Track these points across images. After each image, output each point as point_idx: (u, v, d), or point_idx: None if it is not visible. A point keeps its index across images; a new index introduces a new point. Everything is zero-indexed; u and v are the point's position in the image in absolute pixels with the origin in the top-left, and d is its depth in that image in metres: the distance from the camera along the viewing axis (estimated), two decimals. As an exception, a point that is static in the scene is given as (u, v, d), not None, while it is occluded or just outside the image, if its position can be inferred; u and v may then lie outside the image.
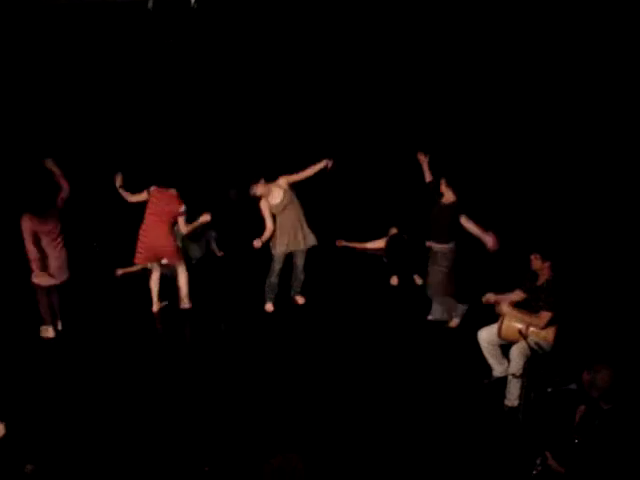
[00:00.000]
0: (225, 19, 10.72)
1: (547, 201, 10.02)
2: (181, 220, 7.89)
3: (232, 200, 8.89)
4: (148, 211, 7.78)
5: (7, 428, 5.47)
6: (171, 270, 8.14)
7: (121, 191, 7.85)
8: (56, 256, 7.32)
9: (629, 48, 9.86)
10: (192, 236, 9.01)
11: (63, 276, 7.44)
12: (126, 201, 7.91)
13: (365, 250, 9.70)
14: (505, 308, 6.35)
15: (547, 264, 6.26)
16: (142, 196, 7.81)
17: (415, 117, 11.02)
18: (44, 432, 5.93)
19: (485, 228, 7.41)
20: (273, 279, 8.06)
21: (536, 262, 6.31)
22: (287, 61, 11.19)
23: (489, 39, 10.55)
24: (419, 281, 8.69)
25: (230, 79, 11.27)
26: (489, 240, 7.30)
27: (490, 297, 6.63)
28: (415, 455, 5.74)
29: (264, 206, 7.79)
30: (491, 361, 6.69)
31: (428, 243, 7.61)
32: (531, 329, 6.23)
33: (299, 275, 8.18)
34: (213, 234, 9.51)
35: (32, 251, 7.22)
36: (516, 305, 6.42)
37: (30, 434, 5.77)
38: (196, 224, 8.01)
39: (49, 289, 7.45)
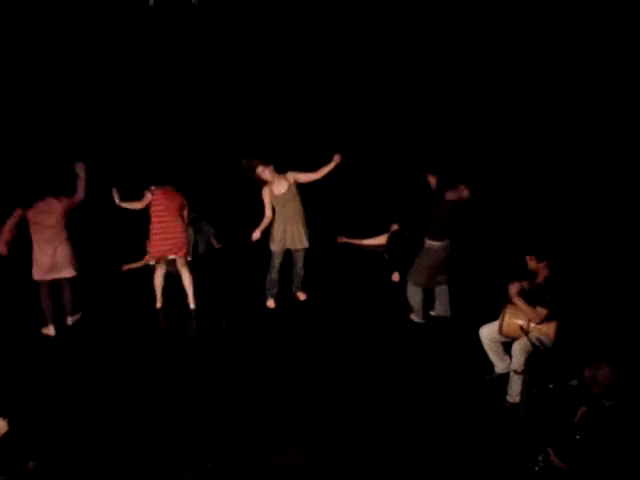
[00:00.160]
0: (228, 15, 10.72)
1: (544, 200, 10.03)
2: (185, 213, 7.97)
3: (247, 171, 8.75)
4: (157, 211, 7.75)
5: (9, 425, 5.47)
6: (175, 268, 8.14)
7: (124, 204, 7.78)
8: (50, 253, 7.29)
9: (629, 48, 9.87)
10: (195, 231, 9.06)
11: (59, 273, 7.39)
12: (135, 210, 7.84)
13: (366, 246, 9.71)
14: (514, 291, 6.32)
15: (543, 264, 6.26)
16: (147, 199, 7.76)
17: (415, 116, 11.04)
18: (46, 429, 5.94)
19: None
20: (273, 275, 8.05)
21: (532, 263, 6.31)
22: (289, 59, 11.20)
23: (489, 40, 10.58)
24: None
25: (229, 78, 11.29)
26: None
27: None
28: (417, 451, 5.75)
29: (266, 193, 7.72)
30: (493, 358, 6.69)
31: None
32: (532, 325, 6.23)
33: (299, 271, 8.16)
34: (212, 230, 9.54)
35: (4, 230, 7.25)
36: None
37: (32, 431, 5.78)
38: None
39: (50, 284, 7.44)
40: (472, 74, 11.01)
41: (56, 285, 7.53)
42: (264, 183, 7.71)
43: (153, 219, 7.78)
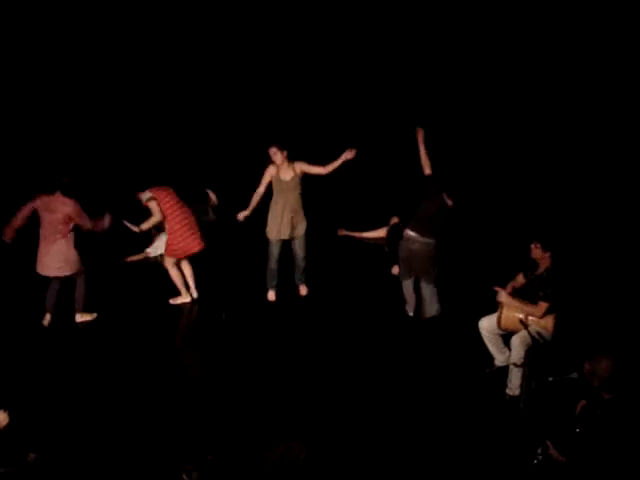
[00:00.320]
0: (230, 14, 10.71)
1: (548, 192, 10.04)
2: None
3: None
4: (169, 209, 7.78)
5: (10, 417, 5.48)
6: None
7: (145, 226, 7.95)
8: (42, 250, 7.25)
9: (629, 48, 9.87)
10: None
11: (47, 271, 7.33)
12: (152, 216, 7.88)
13: (366, 239, 9.71)
14: (504, 298, 6.34)
15: (548, 254, 6.25)
16: (155, 205, 7.78)
17: (416, 106, 11.00)
18: (47, 421, 5.94)
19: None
20: (272, 265, 8.00)
21: (536, 251, 6.29)
22: (289, 55, 11.19)
23: (487, 36, 10.57)
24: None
25: (229, 75, 11.28)
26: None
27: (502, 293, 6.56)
28: (417, 444, 5.76)
29: (269, 173, 7.71)
30: (492, 350, 6.69)
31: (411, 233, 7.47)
32: (531, 318, 6.23)
33: (299, 263, 8.11)
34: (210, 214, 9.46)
35: (17, 217, 7.25)
36: (516, 293, 6.42)
37: (33, 423, 5.78)
38: None
39: (62, 279, 7.43)
40: (476, 67, 11.00)
41: (72, 281, 7.52)
42: (271, 163, 7.71)
43: (169, 218, 7.79)
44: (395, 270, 8.83)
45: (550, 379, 5.31)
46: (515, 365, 6.23)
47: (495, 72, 10.96)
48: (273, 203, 7.81)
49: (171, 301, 8.08)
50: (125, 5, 10.85)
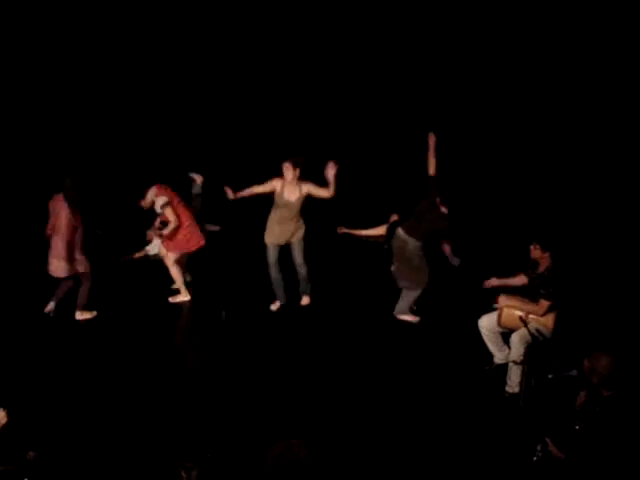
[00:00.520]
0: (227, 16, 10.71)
1: (547, 191, 10.04)
2: None
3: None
4: (176, 206, 7.78)
5: (9, 415, 5.48)
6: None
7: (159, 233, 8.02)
8: (52, 245, 7.28)
9: (629, 48, 9.87)
10: None
11: (56, 270, 7.34)
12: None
13: (366, 237, 9.70)
14: (502, 301, 6.35)
15: (547, 254, 6.25)
16: (171, 206, 7.79)
17: (417, 105, 11.01)
18: (47, 419, 5.94)
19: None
20: (273, 274, 7.79)
21: (535, 252, 6.30)
22: (287, 54, 11.19)
23: (487, 38, 10.57)
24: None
25: (227, 78, 11.29)
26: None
27: (493, 281, 6.65)
28: (416, 442, 5.76)
29: (272, 186, 7.46)
30: (492, 348, 6.69)
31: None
32: (531, 316, 6.24)
33: (299, 270, 7.87)
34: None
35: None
36: (517, 292, 6.42)
37: (33, 421, 5.78)
38: None
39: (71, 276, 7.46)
40: (474, 67, 11.01)
41: (76, 278, 7.53)
42: (281, 176, 7.46)
43: (179, 213, 7.78)
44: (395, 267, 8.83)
45: (549, 376, 5.32)
46: (515, 363, 6.23)
47: (494, 75, 10.96)
48: (272, 213, 7.64)
49: (170, 299, 8.08)
50: (125, 4, 10.85)
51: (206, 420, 5.94)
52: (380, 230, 9.53)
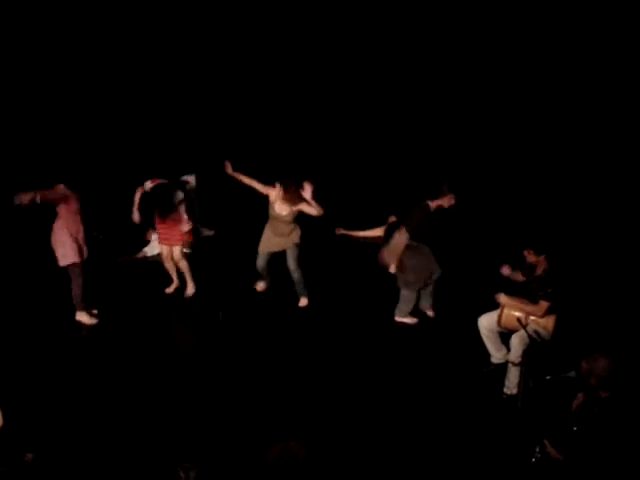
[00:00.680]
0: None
1: (547, 192, 10.05)
2: None
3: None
4: None
5: (7, 417, 5.47)
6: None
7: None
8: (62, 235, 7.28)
9: (629, 48, 9.89)
10: None
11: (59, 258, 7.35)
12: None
13: (364, 238, 9.70)
14: (503, 298, 6.36)
15: (542, 257, 6.26)
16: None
17: (414, 109, 11.03)
18: (44, 421, 5.93)
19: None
20: (260, 270, 8.05)
21: (530, 257, 6.32)
22: (286, 54, 11.19)
23: (486, 37, 10.58)
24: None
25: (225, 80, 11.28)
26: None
27: (505, 270, 6.65)
28: (415, 443, 5.76)
29: (267, 192, 7.66)
30: (490, 347, 6.70)
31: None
32: (531, 318, 6.24)
33: (293, 274, 7.93)
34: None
35: None
36: (516, 294, 6.43)
37: (30, 423, 5.78)
38: None
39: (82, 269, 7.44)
40: (470, 71, 11.02)
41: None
42: (275, 188, 7.64)
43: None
44: (392, 269, 8.83)
45: (547, 378, 5.33)
46: (513, 364, 6.24)
47: (489, 81, 10.98)
48: (268, 223, 7.83)
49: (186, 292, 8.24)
50: (123, 3, 10.86)
51: (205, 421, 5.94)
52: (378, 232, 9.52)
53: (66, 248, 7.24)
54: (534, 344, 5.93)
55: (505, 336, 6.58)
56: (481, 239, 9.19)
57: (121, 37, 10.90)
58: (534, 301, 6.25)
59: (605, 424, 4.58)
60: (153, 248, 8.97)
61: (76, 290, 7.39)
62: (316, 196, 7.76)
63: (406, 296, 7.60)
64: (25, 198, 6.92)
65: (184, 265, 8.15)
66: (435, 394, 6.42)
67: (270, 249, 7.91)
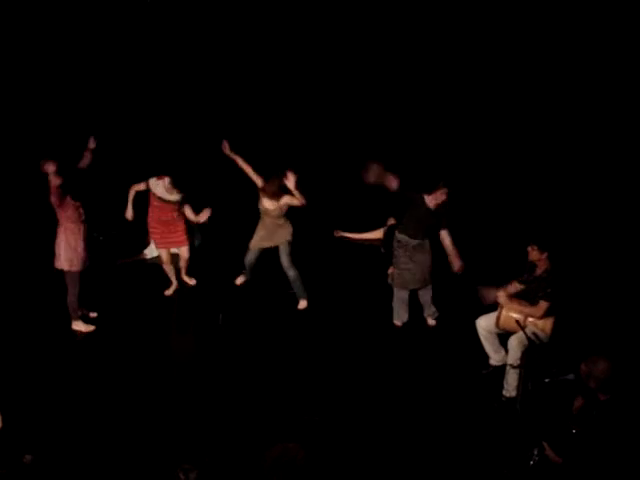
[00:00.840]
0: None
1: (544, 192, 10.05)
2: None
3: None
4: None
5: (6, 419, 5.48)
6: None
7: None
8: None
9: (629, 48, 9.89)
10: None
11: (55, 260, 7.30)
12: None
13: (362, 240, 9.69)
14: (502, 299, 6.36)
15: (545, 255, 6.26)
16: None
17: (414, 108, 11.02)
18: (43, 422, 5.93)
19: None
20: (247, 264, 8.11)
21: (534, 253, 6.30)
22: (284, 54, 11.18)
23: (487, 36, 10.58)
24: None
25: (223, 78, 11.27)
26: (456, 264, 7.25)
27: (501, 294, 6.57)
28: (414, 445, 5.77)
29: (260, 182, 7.68)
30: (488, 349, 6.70)
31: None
32: (529, 319, 6.25)
33: (288, 273, 7.91)
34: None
35: None
36: (515, 295, 6.43)
37: (29, 424, 5.78)
38: None
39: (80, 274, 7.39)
40: (470, 68, 11.03)
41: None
42: (267, 180, 7.65)
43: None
44: (392, 271, 8.83)
45: (547, 380, 5.32)
46: (512, 366, 6.25)
47: (486, 81, 10.99)
48: (260, 220, 7.87)
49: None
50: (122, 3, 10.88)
51: (204, 423, 5.94)
52: (377, 234, 9.53)
53: (62, 254, 7.19)
54: (533, 346, 5.94)
55: (503, 338, 6.58)
56: (481, 240, 9.18)
57: (121, 37, 10.91)
58: (533, 302, 6.26)
59: (604, 427, 4.58)
60: (153, 250, 8.96)
61: (71, 297, 7.33)
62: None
63: (396, 296, 7.61)
64: (50, 167, 6.91)
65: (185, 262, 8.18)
66: (434, 396, 6.43)
67: (261, 245, 7.93)
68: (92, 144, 7.51)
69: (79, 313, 7.45)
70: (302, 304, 8.05)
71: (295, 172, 7.58)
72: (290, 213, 7.95)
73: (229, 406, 6.20)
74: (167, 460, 5.14)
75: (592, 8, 10.06)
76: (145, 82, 11.34)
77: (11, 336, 7.22)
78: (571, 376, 4.98)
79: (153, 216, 7.88)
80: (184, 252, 8.12)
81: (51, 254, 7.22)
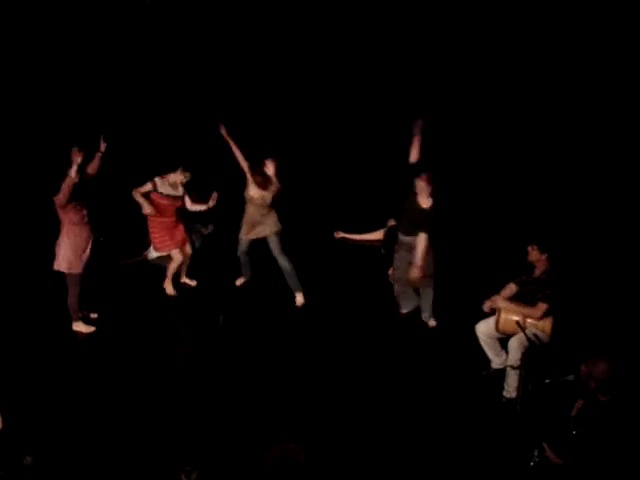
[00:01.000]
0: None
1: (544, 193, 10.05)
2: None
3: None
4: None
5: (6, 420, 5.48)
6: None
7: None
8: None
9: (629, 48, 9.89)
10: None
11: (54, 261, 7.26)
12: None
13: (363, 241, 9.70)
14: (501, 303, 6.36)
15: (545, 256, 6.27)
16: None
17: (413, 107, 11.00)
18: (44, 424, 5.93)
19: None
20: (242, 259, 8.18)
21: (533, 253, 6.31)
22: (282, 54, 11.17)
23: (486, 35, 10.58)
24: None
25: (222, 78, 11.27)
26: (414, 270, 7.20)
27: (487, 304, 6.55)
28: (414, 446, 5.77)
29: (245, 168, 7.72)
30: (489, 353, 6.70)
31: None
32: (529, 320, 6.25)
33: (280, 263, 7.88)
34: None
35: None
36: (513, 297, 6.43)
37: (30, 426, 5.78)
38: None
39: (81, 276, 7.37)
40: (471, 67, 11.03)
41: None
42: (253, 170, 7.68)
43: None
44: (391, 272, 8.84)
45: (547, 381, 5.33)
46: (512, 367, 6.25)
47: (487, 78, 10.99)
48: (245, 209, 7.90)
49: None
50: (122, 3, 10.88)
51: (205, 424, 5.94)
52: (377, 235, 9.53)
53: (61, 255, 7.16)
54: (533, 347, 5.94)
55: (504, 341, 6.58)
56: (481, 241, 9.19)
57: (122, 38, 10.92)
58: (531, 303, 6.26)
59: (604, 428, 4.59)
60: (153, 252, 8.95)
61: (71, 299, 7.31)
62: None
63: (397, 290, 7.69)
64: (78, 159, 6.82)
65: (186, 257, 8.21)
66: (434, 397, 6.43)
67: (247, 236, 7.94)
68: (103, 147, 7.25)
69: (80, 314, 7.45)
70: (299, 299, 8.04)
71: (277, 160, 7.65)
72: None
73: (229, 407, 6.20)
74: (168, 461, 5.16)
75: (592, 8, 10.05)
76: (145, 82, 11.34)
77: (12, 337, 7.23)
78: (571, 377, 4.98)
79: (155, 220, 7.90)
80: (184, 252, 8.11)
81: (51, 255, 7.22)
